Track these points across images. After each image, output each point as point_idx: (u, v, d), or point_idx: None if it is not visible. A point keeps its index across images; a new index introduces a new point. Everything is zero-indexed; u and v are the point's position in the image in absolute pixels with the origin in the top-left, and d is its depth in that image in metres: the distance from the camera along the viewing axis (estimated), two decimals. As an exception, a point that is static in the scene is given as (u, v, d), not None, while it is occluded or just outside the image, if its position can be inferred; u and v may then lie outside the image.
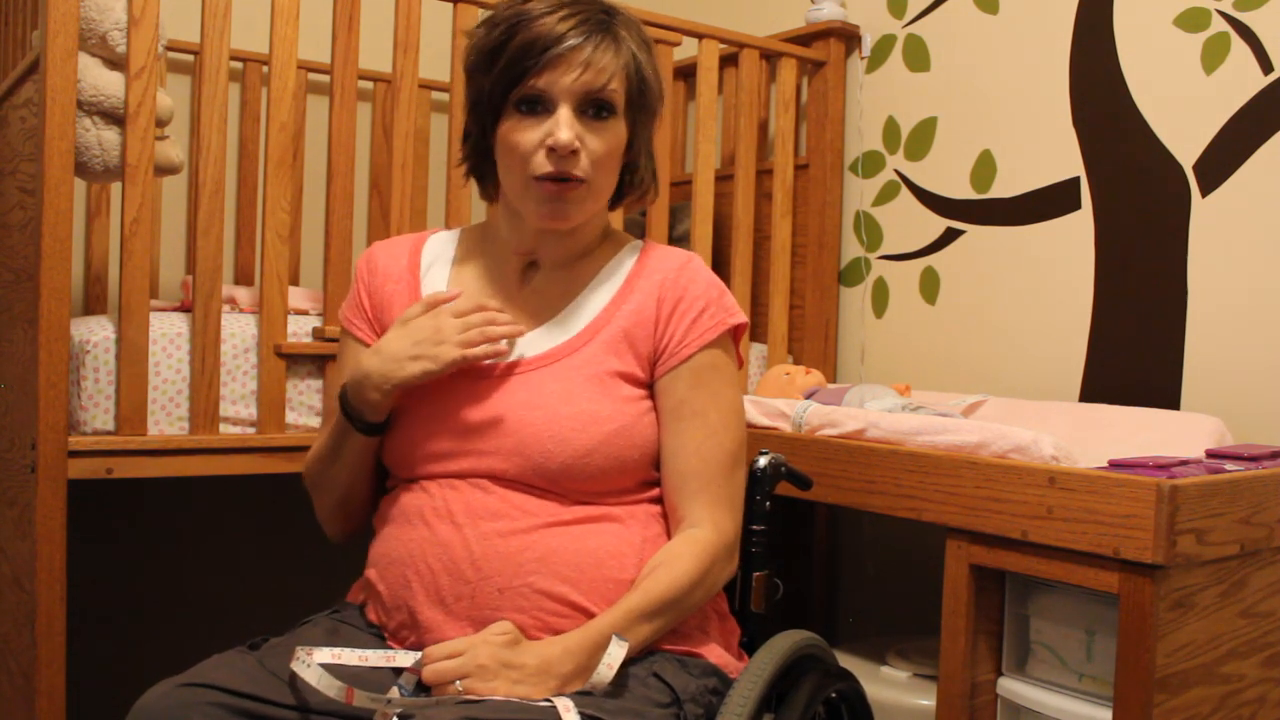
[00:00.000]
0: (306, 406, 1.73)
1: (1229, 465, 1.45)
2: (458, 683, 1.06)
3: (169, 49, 2.20)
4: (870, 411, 1.74)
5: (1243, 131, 1.78)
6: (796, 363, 2.38)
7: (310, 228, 2.41)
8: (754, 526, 1.36)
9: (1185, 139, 1.86)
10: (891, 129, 2.32)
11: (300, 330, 1.74)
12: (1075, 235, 2.00)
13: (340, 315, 1.38)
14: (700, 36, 2.17)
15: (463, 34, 1.84)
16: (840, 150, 2.39)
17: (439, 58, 2.08)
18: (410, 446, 1.24)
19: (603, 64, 1.20)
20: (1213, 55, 1.82)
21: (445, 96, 2.51)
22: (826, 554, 2.41)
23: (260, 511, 2.46)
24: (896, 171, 2.31)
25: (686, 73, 2.56)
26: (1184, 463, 1.41)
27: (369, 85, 2.51)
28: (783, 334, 2.32)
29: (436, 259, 1.36)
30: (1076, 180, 2.01)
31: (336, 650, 1.12)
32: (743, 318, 1.31)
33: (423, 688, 1.09)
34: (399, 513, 1.23)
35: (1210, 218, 1.82)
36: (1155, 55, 1.90)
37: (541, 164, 1.20)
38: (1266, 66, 1.76)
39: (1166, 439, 1.65)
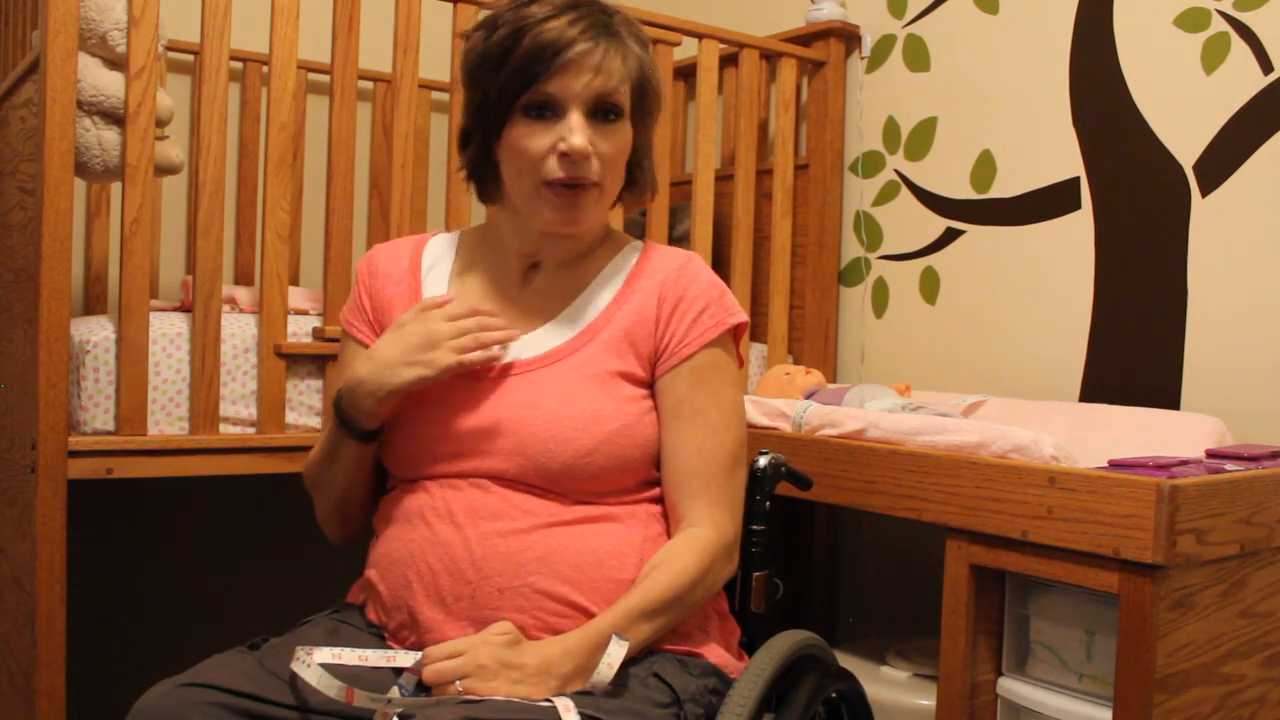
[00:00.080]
0: (306, 406, 1.73)
1: (1229, 465, 1.45)
2: (458, 683, 1.06)
3: (169, 49, 2.20)
4: (870, 411, 1.74)
5: (1243, 131, 1.78)
6: (796, 363, 2.38)
7: (310, 228, 2.41)
8: (754, 526, 1.36)
9: (1185, 139, 1.86)
10: (891, 129, 2.32)
11: (300, 330, 1.74)
12: (1075, 235, 2.00)
13: (341, 317, 1.38)
14: (700, 36, 2.17)
15: (460, 35, 1.84)
16: (840, 150, 2.39)
17: (439, 58, 2.08)
18: (411, 447, 1.24)
19: (612, 68, 1.20)
20: (1213, 55, 1.82)
21: (445, 96, 2.51)
22: (826, 554, 2.41)
23: (260, 511, 2.46)
24: (896, 171, 2.31)
25: (686, 73, 2.56)
26: (1184, 463, 1.41)
27: (369, 85, 2.51)
28: (783, 334, 2.32)
29: (437, 261, 1.36)
30: (1076, 180, 2.01)
31: (336, 650, 1.12)
32: (743, 317, 1.31)
33: (423, 688, 1.09)
34: (399, 513, 1.23)
35: (1210, 218, 1.82)
36: (1155, 55, 1.90)
37: (553, 169, 1.20)
38: (1266, 66, 1.76)
39: (1166, 439, 1.65)
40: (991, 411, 1.92)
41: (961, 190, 2.19)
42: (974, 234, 2.17)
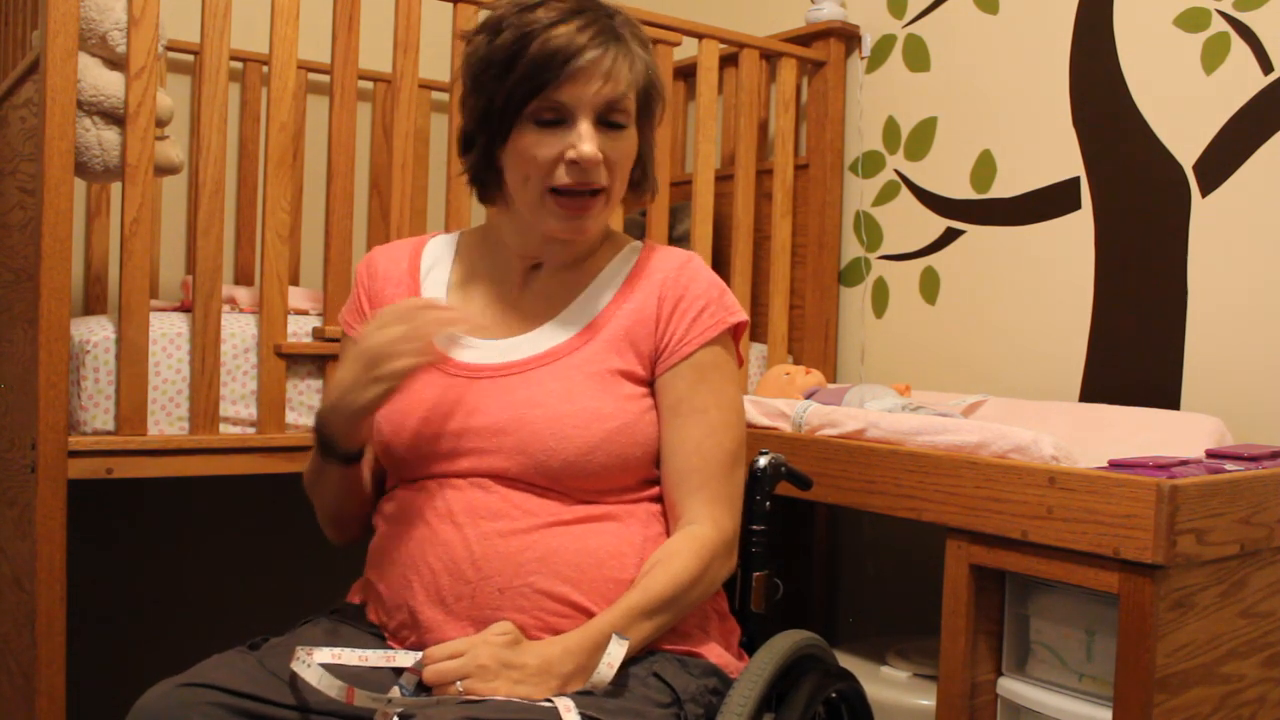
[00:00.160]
0: (306, 406, 1.73)
1: (1229, 465, 1.45)
2: (458, 683, 1.06)
3: (169, 49, 2.20)
4: (870, 411, 1.74)
5: (1243, 131, 1.78)
6: (796, 363, 2.38)
7: (310, 228, 2.41)
8: (754, 526, 1.36)
9: (1185, 139, 1.86)
10: (891, 129, 2.32)
11: (300, 330, 1.74)
12: (1075, 235, 2.00)
13: (340, 318, 1.38)
14: (700, 36, 2.17)
15: (460, 36, 1.84)
16: (840, 150, 2.39)
17: (439, 58, 2.08)
18: (411, 447, 1.24)
19: (621, 74, 1.20)
20: (1213, 55, 1.82)
21: (445, 96, 2.51)
22: (826, 554, 2.41)
23: (260, 511, 2.45)
24: (896, 171, 2.31)
25: (686, 73, 2.56)
26: (1184, 463, 1.41)
27: (369, 85, 2.51)
28: (783, 334, 2.32)
29: (437, 262, 1.36)
30: (1076, 180, 2.01)
31: (337, 650, 1.12)
32: (743, 316, 1.31)
33: (423, 688, 1.09)
34: (399, 513, 1.23)
35: (1210, 218, 1.82)
36: (1155, 55, 1.90)
37: (560, 176, 1.20)
38: (1266, 66, 1.76)
39: (1166, 439, 1.65)
40: (991, 411, 1.92)
41: (961, 190, 2.19)
42: (974, 234, 2.17)
